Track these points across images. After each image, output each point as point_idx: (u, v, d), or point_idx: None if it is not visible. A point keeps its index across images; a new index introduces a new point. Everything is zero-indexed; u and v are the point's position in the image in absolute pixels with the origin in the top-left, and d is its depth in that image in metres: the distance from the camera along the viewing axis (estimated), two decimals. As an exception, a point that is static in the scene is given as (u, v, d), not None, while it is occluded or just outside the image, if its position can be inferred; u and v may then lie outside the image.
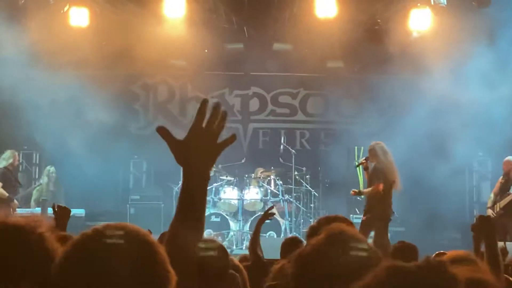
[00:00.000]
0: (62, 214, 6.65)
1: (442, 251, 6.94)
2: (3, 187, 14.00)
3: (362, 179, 17.15)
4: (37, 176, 17.62)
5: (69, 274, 2.20)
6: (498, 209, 14.20)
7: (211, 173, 16.91)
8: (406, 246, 7.41)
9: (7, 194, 13.89)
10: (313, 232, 4.48)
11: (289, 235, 15.74)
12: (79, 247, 2.25)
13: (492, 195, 14.55)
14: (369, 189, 12.81)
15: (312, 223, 4.82)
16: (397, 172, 12.67)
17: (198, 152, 2.84)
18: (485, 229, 5.21)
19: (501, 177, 14.45)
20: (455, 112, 16.06)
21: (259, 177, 17.15)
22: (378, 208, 11.95)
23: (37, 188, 16.25)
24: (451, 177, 17.08)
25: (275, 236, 15.72)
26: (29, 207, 15.50)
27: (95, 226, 2.30)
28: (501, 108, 15.79)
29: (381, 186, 12.44)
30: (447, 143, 16.61)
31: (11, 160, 14.54)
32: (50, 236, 2.48)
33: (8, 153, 14.61)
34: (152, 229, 5.79)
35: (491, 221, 5.35)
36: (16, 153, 14.84)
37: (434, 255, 7.43)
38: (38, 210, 15.20)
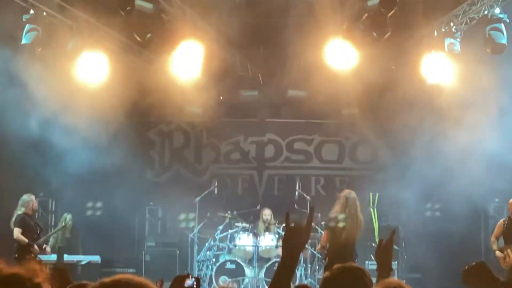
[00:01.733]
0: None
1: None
2: (23, 233, 14.04)
3: (377, 225, 17.16)
4: (53, 223, 17.65)
5: None
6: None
7: (227, 220, 17.04)
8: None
9: (26, 240, 13.92)
10: (328, 284, 4.44)
11: (303, 282, 15.71)
12: None
13: (493, 239, 14.57)
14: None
15: (325, 275, 4.75)
16: (347, 222, 12.98)
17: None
18: (479, 278, 5.13)
19: (504, 220, 14.46)
20: (472, 158, 16.01)
21: (274, 223, 17.13)
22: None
23: (54, 235, 16.28)
24: (467, 224, 17.03)
25: (290, 283, 15.66)
26: (45, 254, 15.51)
27: (103, 279, 2.44)
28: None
29: (323, 237, 13.48)
30: (463, 189, 16.58)
31: (30, 205, 14.59)
32: (46, 286, 2.56)
33: (25, 197, 14.66)
34: (167, 275, 5.81)
35: (481, 268, 5.27)
36: (34, 197, 14.88)
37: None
38: (54, 257, 15.21)
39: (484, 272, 5.20)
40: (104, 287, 2.40)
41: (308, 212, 4.15)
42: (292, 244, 4.03)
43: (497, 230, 14.68)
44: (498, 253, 14.33)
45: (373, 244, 15.71)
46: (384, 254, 5.04)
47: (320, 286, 4.54)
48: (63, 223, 16.21)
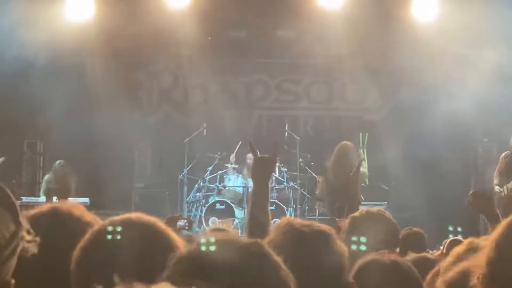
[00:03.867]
0: None
1: (457, 238, 6.92)
2: None
3: (367, 165, 17.21)
4: (41, 165, 17.64)
5: (87, 266, 2.36)
6: (506, 191, 14.04)
7: (216, 161, 17.09)
8: (413, 233, 7.42)
9: None
10: (354, 223, 4.59)
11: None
12: (97, 238, 2.42)
13: (496, 173, 14.37)
14: None
15: (354, 214, 4.90)
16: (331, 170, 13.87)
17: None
18: (483, 204, 5.16)
19: (506, 154, 14.26)
20: (460, 98, 16.03)
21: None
22: None
23: (45, 179, 16.28)
24: (456, 163, 17.18)
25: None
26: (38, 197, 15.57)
27: (112, 218, 2.53)
28: (509, 95, 15.74)
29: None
30: (452, 129, 16.67)
31: None
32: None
33: None
34: (157, 217, 5.77)
35: (487, 194, 5.30)
36: None
37: (448, 241, 7.41)
38: (42, 199, 15.23)
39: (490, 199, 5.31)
40: (114, 225, 2.43)
41: (274, 145, 4.79)
42: (261, 172, 4.47)
43: (499, 164, 14.22)
44: (497, 188, 14.13)
45: (363, 184, 15.80)
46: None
47: (349, 225, 4.69)
48: (52, 173, 16.24)
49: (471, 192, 5.26)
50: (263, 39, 18.17)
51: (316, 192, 15.00)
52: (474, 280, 2.36)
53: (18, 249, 2.20)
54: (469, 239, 4.15)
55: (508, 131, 15.56)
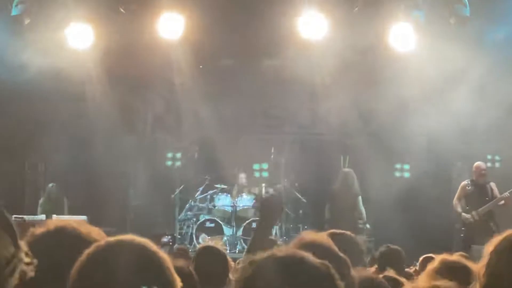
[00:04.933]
0: None
1: (430, 255, 7.25)
2: None
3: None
4: (43, 185, 17.94)
5: (83, 284, 2.41)
6: (477, 217, 14.51)
7: (206, 182, 17.65)
8: (391, 250, 7.69)
9: None
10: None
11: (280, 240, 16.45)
12: (92, 259, 2.45)
13: (456, 201, 14.98)
14: None
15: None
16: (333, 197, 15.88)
17: None
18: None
19: (467, 182, 14.92)
20: (438, 123, 16.58)
21: (249, 186, 17.94)
22: None
23: (40, 203, 16.86)
24: (432, 185, 17.65)
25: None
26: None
27: (108, 239, 2.57)
28: (480, 119, 16.30)
29: None
30: (429, 152, 17.11)
31: None
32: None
33: None
34: (151, 235, 6.40)
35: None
36: None
37: (421, 258, 7.85)
38: (42, 217, 15.68)
39: None
40: (109, 246, 2.47)
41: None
42: (269, 217, 4.74)
43: (459, 192, 15.00)
44: (464, 215, 14.66)
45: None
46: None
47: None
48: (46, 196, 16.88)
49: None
50: (251, 68, 18.83)
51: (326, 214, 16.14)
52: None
53: (17, 270, 2.25)
54: (442, 256, 4.51)
55: (480, 155, 16.15)
